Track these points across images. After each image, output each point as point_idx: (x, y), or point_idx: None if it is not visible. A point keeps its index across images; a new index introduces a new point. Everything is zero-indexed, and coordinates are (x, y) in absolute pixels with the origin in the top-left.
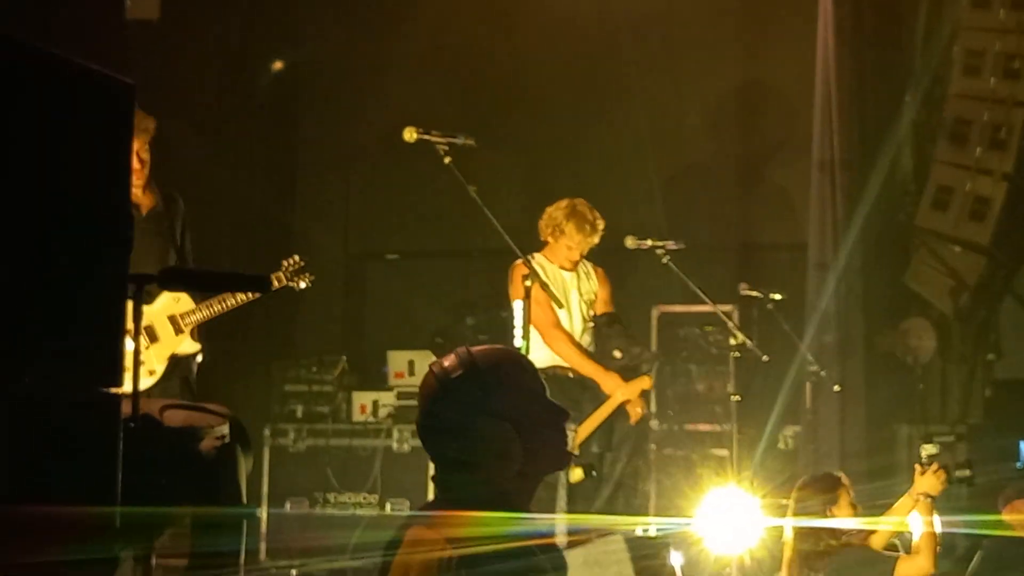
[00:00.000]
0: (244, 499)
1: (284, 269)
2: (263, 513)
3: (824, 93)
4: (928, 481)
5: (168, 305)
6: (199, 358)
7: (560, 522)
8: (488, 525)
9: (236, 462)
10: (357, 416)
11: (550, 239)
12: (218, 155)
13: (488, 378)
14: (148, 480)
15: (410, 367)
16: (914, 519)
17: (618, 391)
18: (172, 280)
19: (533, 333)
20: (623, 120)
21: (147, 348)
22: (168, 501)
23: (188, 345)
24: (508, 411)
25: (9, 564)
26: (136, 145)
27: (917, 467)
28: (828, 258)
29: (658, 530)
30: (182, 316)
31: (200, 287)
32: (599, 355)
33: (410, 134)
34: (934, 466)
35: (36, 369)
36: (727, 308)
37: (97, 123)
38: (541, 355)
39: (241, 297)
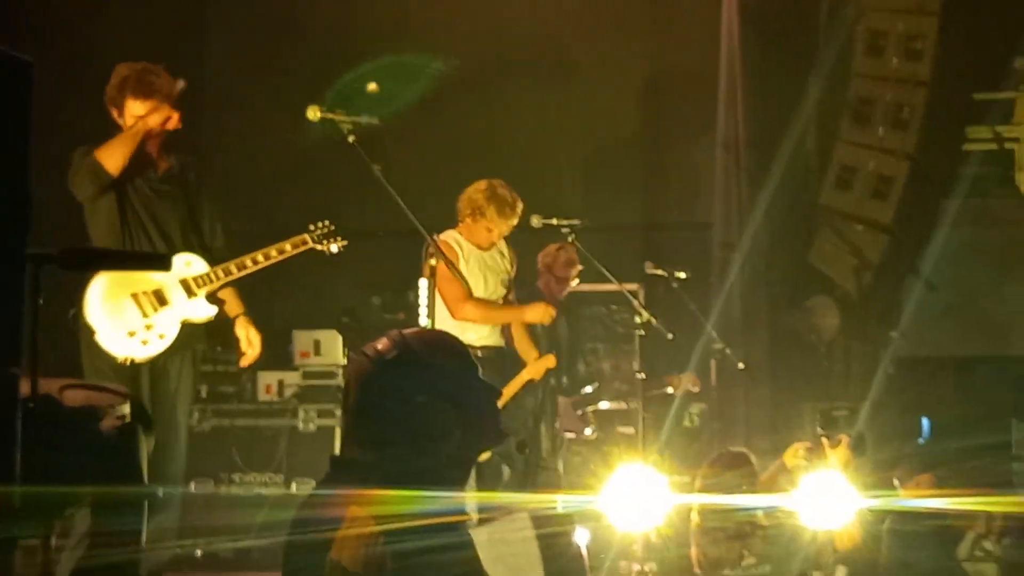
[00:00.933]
0: (145, 479)
1: (311, 232)
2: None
3: (729, 73)
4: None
5: (179, 269)
6: None
7: (470, 500)
8: (406, 503)
9: (137, 442)
10: (263, 396)
11: (468, 219)
12: None
13: (423, 359)
14: (48, 460)
15: (316, 347)
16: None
17: (524, 370)
18: (72, 259)
19: (444, 313)
20: (531, 101)
21: (156, 311)
22: (68, 481)
23: (202, 309)
24: (444, 391)
25: None
26: (152, 107)
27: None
28: (733, 237)
29: (564, 507)
30: (194, 280)
31: (100, 266)
32: None
33: (313, 113)
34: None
35: None
36: (632, 287)
37: None
38: (466, 336)
39: (261, 259)
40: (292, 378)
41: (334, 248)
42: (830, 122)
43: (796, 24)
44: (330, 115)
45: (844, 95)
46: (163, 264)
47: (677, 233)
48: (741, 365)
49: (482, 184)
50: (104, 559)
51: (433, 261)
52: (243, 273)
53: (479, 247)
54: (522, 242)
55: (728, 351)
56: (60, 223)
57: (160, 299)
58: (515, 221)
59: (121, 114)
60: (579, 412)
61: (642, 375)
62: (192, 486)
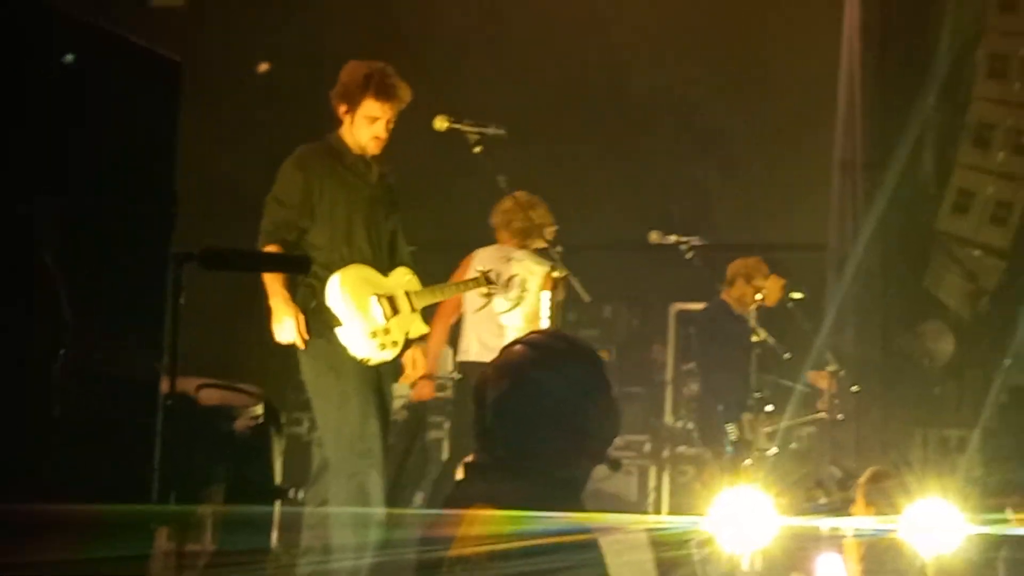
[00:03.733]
0: (276, 478)
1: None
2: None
3: (847, 94)
4: None
5: (403, 280)
6: None
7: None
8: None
9: (270, 442)
10: None
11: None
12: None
13: (590, 358)
14: (182, 458)
15: None
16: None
17: None
18: (212, 259)
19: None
20: (645, 118)
21: (391, 319)
22: (203, 479)
23: (418, 326)
24: (601, 395)
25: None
26: (388, 113)
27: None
28: (847, 259)
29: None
30: (416, 295)
31: (241, 267)
32: None
33: (441, 122)
34: None
35: (78, 344)
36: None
37: (147, 100)
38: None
39: (468, 284)
40: (403, 389)
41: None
42: (949, 146)
43: (917, 45)
44: (458, 125)
45: (964, 119)
46: (304, 268)
47: (793, 253)
48: (855, 388)
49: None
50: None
51: (556, 273)
52: (452, 295)
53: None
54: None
55: (842, 373)
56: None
57: (394, 307)
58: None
59: (351, 111)
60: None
61: (758, 394)
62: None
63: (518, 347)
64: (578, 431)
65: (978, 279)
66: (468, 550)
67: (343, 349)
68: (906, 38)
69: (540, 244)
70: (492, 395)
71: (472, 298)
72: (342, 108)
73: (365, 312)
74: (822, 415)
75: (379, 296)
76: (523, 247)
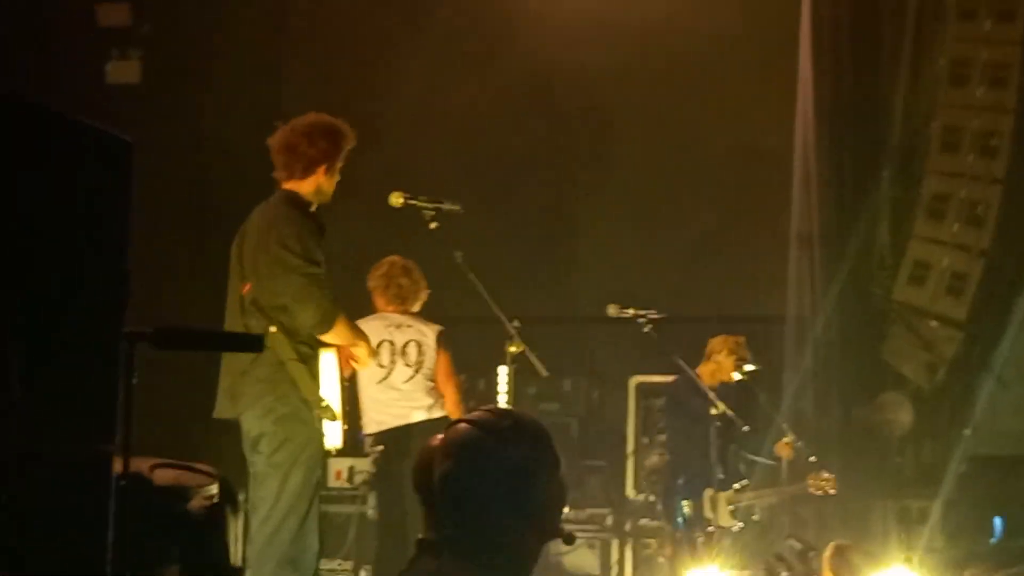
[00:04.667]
0: (231, 559)
1: None
2: None
3: (803, 167)
4: None
5: None
6: None
7: None
8: None
9: (225, 522)
10: (333, 481)
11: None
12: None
13: (537, 435)
14: (136, 540)
15: None
16: None
17: None
18: (165, 339)
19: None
20: (604, 191)
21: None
22: (157, 561)
23: None
24: (547, 473)
25: None
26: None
27: None
28: (805, 331)
29: None
30: None
31: (194, 346)
32: None
33: (396, 199)
34: None
35: (27, 425)
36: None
37: (97, 180)
38: None
39: None
40: (362, 465)
41: None
42: (905, 218)
43: (871, 118)
44: (413, 201)
45: (919, 191)
46: (257, 347)
47: (749, 325)
48: (813, 459)
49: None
50: None
51: (514, 347)
52: None
53: None
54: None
55: (800, 444)
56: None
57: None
58: None
59: (330, 171)
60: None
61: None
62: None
63: (463, 425)
64: (525, 509)
65: (936, 349)
66: None
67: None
68: (861, 112)
69: (417, 308)
70: (438, 473)
71: (370, 371)
72: (325, 165)
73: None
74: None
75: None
76: (405, 312)
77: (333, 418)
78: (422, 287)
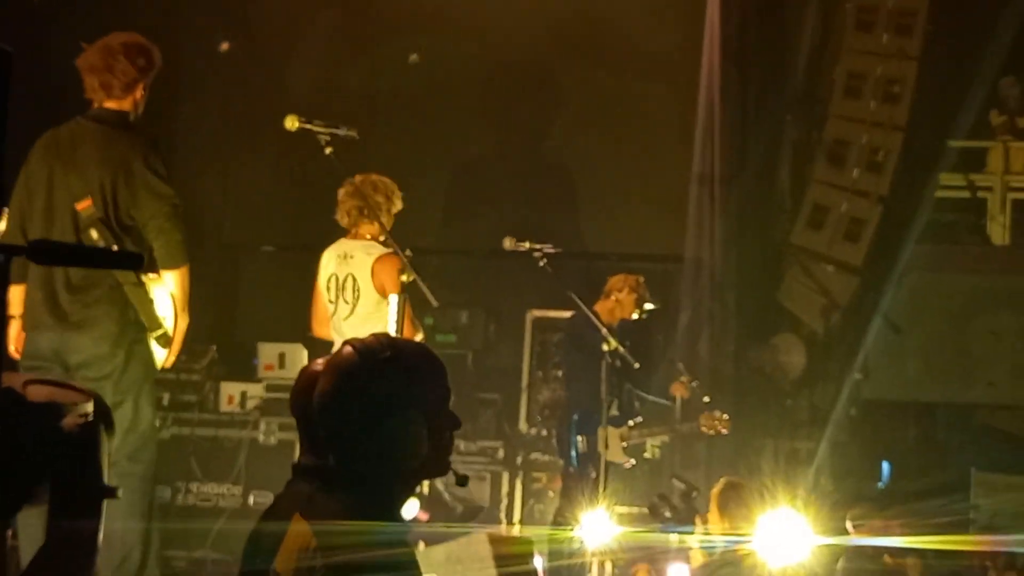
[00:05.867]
0: (105, 478)
1: None
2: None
3: (707, 108)
4: None
5: None
6: None
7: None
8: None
9: (99, 441)
10: (224, 406)
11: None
12: None
13: (416, 366)
14: (8, 457)
15: (280, 360)
16: None
17: None
18: (42, 253)
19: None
20: (505, 123)
21: None
22: (30, 480)
23: None
24: (426, 407)
25: None
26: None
27: None
28: (703, 271)
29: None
30: None
31: (69, 262)
32: None
33: (292, 122)
34: None
35: None
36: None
37: None
38: None
39: None
40: (255, 390)
41: None
42: (805, 162)
43: (776, 62)
44: (308, 125)
45: (820, 135)
46: (136, 263)
47: (648, 264)
48: (707, 399)
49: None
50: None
51: (405, 277)
52: None
53: None
54: (492, 266)
55: (694, 384)
56: None
57: None
58: None
59: (145, 89)
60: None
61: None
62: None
63: (347, 348)
64: (382, 444)
65: (831, 294)
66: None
67: None
68: (765, 54)
69: (373, 230)
70: (316, 394)
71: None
72: (143, 82)
73: None
74: (702, 426)
75: None
76: (357, 237)
77: (167, 344)
78: (382, 205)
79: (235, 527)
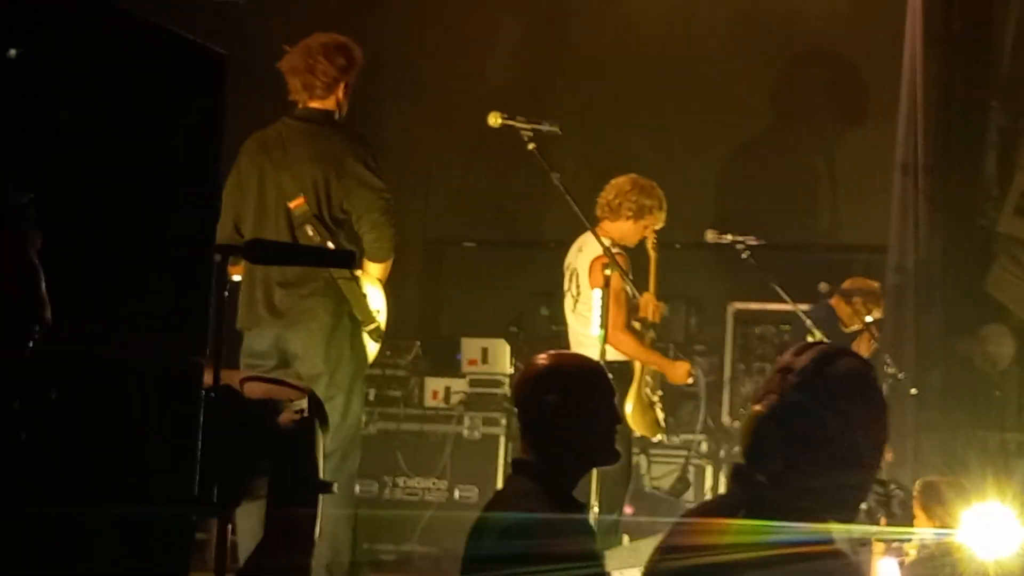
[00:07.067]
0: (321, 473)
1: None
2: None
3: (910, 96)
4: None
5: None
6: None
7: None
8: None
9: (314, 437)
10: (429, 401)
11: (627, 219)
12: None
13: (596, 381)
14: (226, 453)
15: (483, 355)
16: None
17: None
18: (259, 252)
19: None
20: (706, 117)
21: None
22: (247, 475)
23: None
24: (603, 409)
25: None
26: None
27: None
28: (907, 261)
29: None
30: None
31: (285, 260)
32: None
33: (495, 119)
34: None
35: (119, 336)
36: (805, 307)
37: (190, 92)
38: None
39: None
40: (459, 385)
41: None
42: (1011, 148)
43: (981, 48)
44: (511, 122)
45: None
46: (348, 261)
47: (851, 255)
48: (914, 391)
49: (627, 180)
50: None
51: (608, 271)
52: None
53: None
54: (693, 258)
55: (901, 376)
56: None
57: None
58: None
59: (348, 88)
60: None
61: None
62: (356, 488)
63: (569, 358)
64: (592, 452)
65: None
66: None
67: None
68: (970, 40)
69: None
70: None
71: None
72: (344, 82)
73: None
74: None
75: None
76: (605, 233)
77: (379, 339)
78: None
79: (441, 521)
